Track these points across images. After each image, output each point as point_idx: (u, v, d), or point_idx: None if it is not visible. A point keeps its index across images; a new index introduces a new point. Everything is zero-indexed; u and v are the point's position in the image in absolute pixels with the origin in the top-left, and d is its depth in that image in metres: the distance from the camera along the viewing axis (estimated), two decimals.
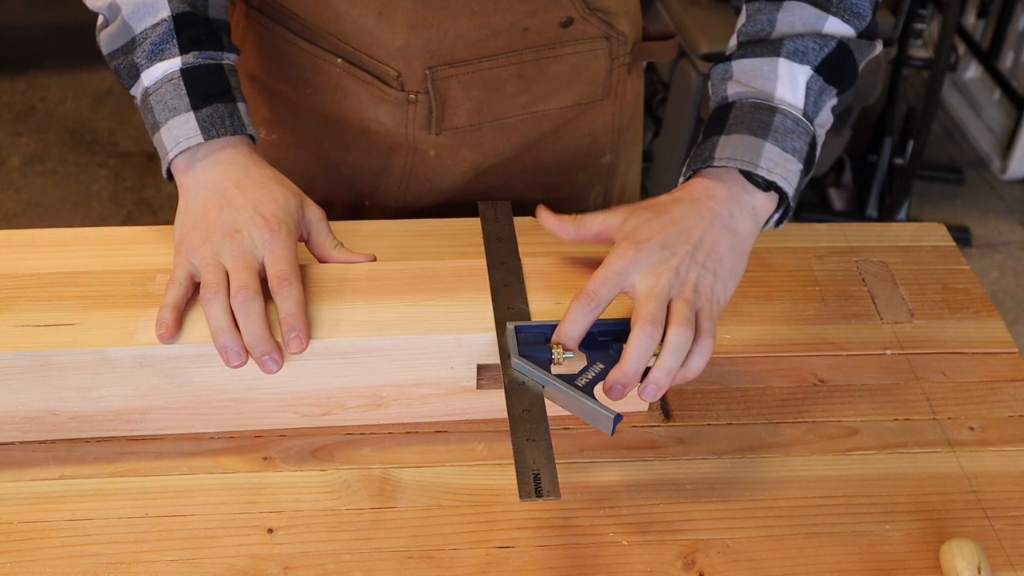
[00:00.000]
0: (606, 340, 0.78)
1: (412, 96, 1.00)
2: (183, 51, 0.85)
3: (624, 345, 0.76)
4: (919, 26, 2.57)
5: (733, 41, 0.90)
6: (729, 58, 0.88)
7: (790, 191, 0.83)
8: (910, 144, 2.64)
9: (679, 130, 2.40)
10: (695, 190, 0.83)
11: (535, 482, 0.70)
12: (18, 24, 3.28)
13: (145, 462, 0.82)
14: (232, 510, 0.79)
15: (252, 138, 0.87)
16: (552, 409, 0.76)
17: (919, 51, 2.77)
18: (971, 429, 0.88)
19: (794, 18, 0.87)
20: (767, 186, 0.83)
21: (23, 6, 3.32)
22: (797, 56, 0.85)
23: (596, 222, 0.84)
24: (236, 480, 0.81)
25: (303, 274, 0.82)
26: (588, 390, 0.75)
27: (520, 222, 0.93)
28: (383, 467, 0.82)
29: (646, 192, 2.67)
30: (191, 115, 0.83)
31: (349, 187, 1.08)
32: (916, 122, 2.60)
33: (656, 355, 0.76)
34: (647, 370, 0.76)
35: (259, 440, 0.84)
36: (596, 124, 1.08)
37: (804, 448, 0.85)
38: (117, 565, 0.75)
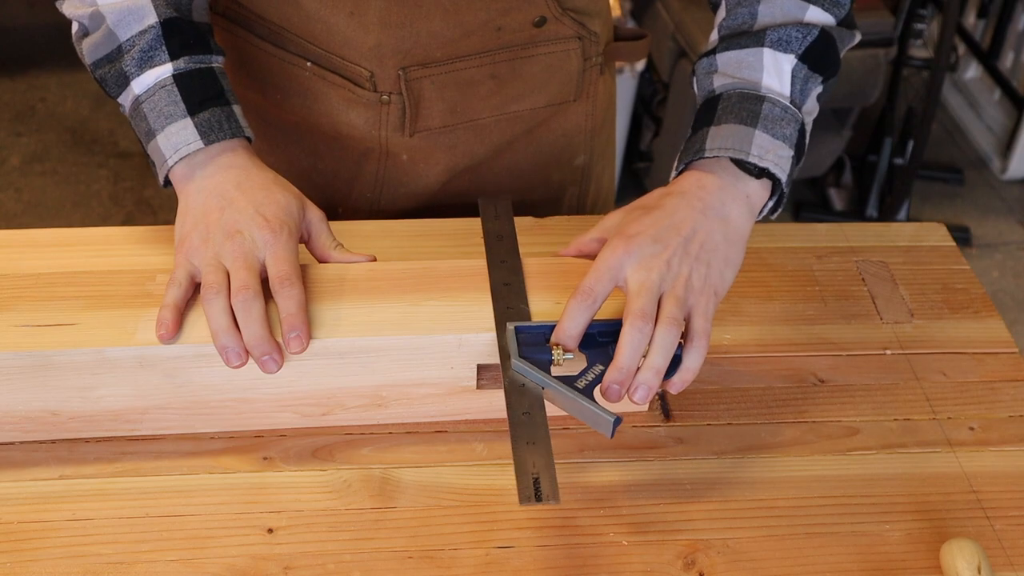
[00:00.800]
0: (605, 341, 0.78)
1: (385, 97, 1.00)
2: (173, 57, 0.84)
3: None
4: (919, 26, 2.57)
5: (714, 36, 0.90)
6: (712, 52, 0.89)
7: (783, 176, 0.83)
8: (910, 144, 2.64)
9: (679, 130, 2.40)
10: (686, 183, 0.83)
11: (535, 486, 0.70)
12: (18, 24, 3.28)
13: (145, 462, 0.82)
14: (232, 510, 0.79)
15: (249, 140, 0.86)
16: (552, 409, 0.76)
17: (919, 51, 2.77)
18: (971, 429, 0.88)
19: (775, 9, 0.87)
20: (759, 173, 0.83)
21: (23, 6, 3.32)
22: (781, 45, 0.85)
23: (593, 231, 0.84)
24: (236, 480, 0.81)
25: (303, 274, 0.82)
26: (588, 392, 0.75)
27: (520, 222, 0.93)
28: (383, 467, 0.82)
29: (646, 192, 2.66)
30: (188, 120, 0.83)
31: (321, 194, 1.07)
32: (916, 122, 2.60)
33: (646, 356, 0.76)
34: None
35: (259, 440, 0.84)
36: (569, 125, 1.08)
37: (804, 448, 0.85)
38: (117, 565, 0.75)
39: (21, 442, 0.83)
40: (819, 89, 0.87)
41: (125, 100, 0.86)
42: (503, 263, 0.86)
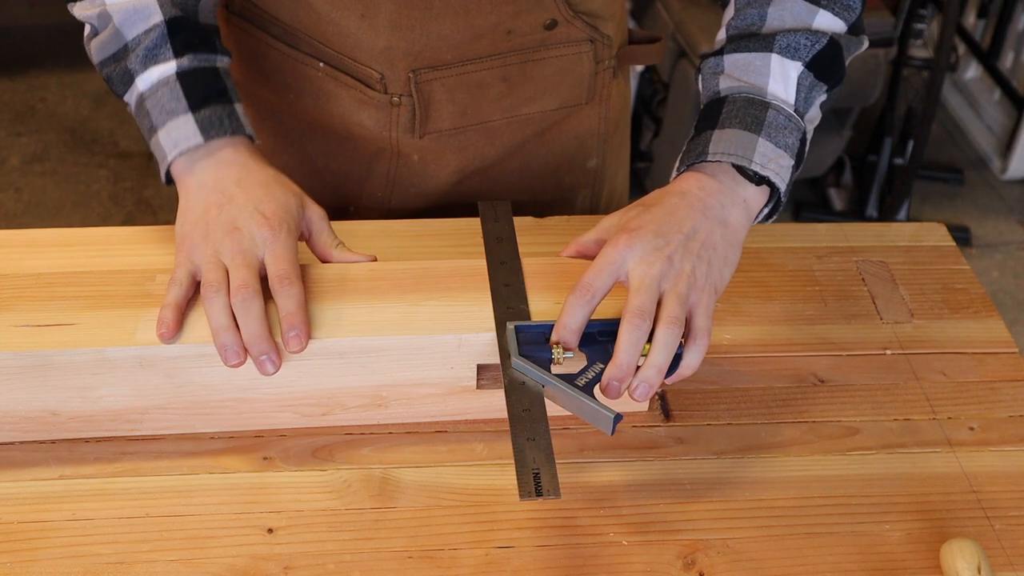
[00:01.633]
0: (605, 340, 0.78)
1: (395, 99, 1.00)
2: (178, 55, 0.84)
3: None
4: (919, 26, 2.57)
5: (722, 35, 0.90)
6: (720, 52, 0.88)
7: (782, 186, 0.83)
8: (910, 144, 2.64)
9: (679, 130, 2.40)
10: (687, 184, 0.83)
11: (535, 481, 0.70)
12: (18, 24, 3.28)
13: (145, 462, 0.82)
14: (232, 510, 0.79)
15: (251, 139, 0.87)
16: (552, 409, 0.76)
17: (919, 51, 2.77)
18: (971, 429, 0.88)
19: (784, 12, 0.87)
20: (759, 180, 0.83)
21: (23, 6, 3.32)
22: (789, 52, 0.85)
23: (593, 232, 0.84)
24: (236, 480, 0.81)
25: (303, 273, 0.82)
26: (588, 390, 0.75)
27: (520, 222, 0.93)
28: (383, 467, 0.82)
29: (646, 192, 2.66)
30: (190, 116, 0.83)
31: (334, 193, 1.08)
32: (916, 122, 2.60)
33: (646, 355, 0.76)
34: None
35: (259, 440, 0.84)
36: (581, 128, 1.08)
37: (804, 448, 0.85)
38: (117, 565, 0.75)
39: (21, 442, 0.83)
40: (823, 98, 0.87)
41: (130, 98, 0.87)
42: (503, 264, 0.86)
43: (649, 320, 0.76)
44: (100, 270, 0.85)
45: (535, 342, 0.78)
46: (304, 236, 0.85)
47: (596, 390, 0.75)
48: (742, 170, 0.82)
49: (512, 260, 0.87)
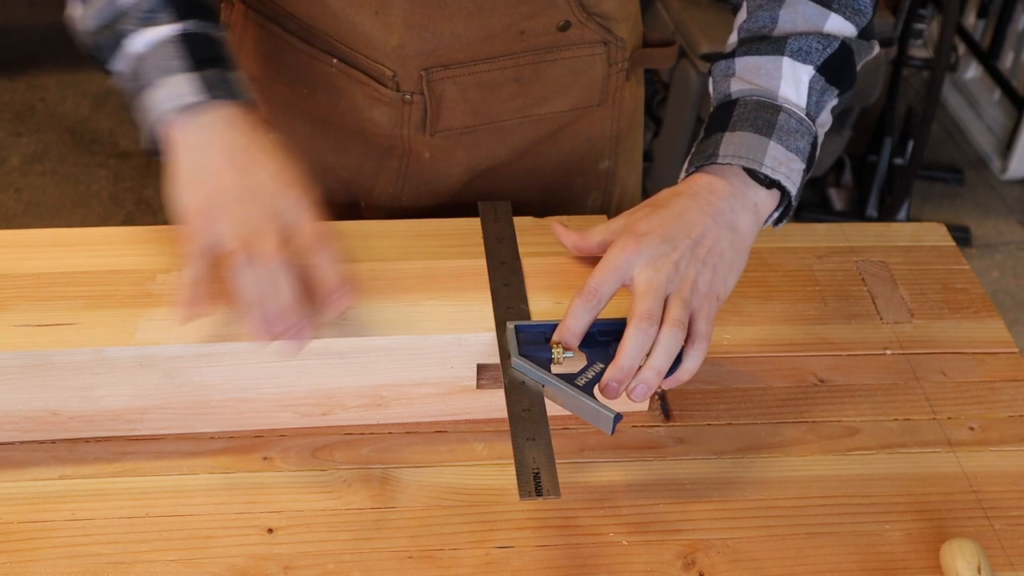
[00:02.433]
0: (606, 340, 0.78)
1: (407, 97, 1.00)
2: (179, 19, 0.80)
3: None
4: (919, 26, 2.57)
5: (733, 38, 0.90)
6: (732, 55, 0.88)
7: (793, 190, 0.83)
8: (910, 144, 2.64)
9: (679, 130, 2.40)
10: (696, 185, 0.83)
11: (535, 481, 0.70)
12: (18, 24, 3.28)
13: (145, 462, 0.82)
14: (232, 510, 0.79)
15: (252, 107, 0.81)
16: (552, 409, 0.76)
17: (919, 51, 2.77)
18: (971, 429, 0.88)
19: (796, 15, 0.86)
20: (770, 184, 0.83)
21: (23, 6, 3.32)
22: (801, 55, 0.85)
23: (598, 233, 0.84)
24: (236, 480, 0.81)
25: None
26: (588, 390, 0.75)
27: (520, 222, 0.93)
28: (383, 467, 0.82)
29: (646, 193, 2.66)
30: (192, 75, 0.77)
31: (346, 188, 1.08)
32: (916, 122, 2.60)
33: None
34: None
35: (259, 440, 0.84)
36: (594, 130, 1.08)
37: (804, 448, 0.85)
38: (117, 565, 0.75)
39: (21, 442, 0.83)
40: (834, 102, 0.87)
41: (119, 63, 0.80)
42: (503, 264, 0.86)
43: (656, 324, 0.75)
44: (100, 270, 0.85)
45: (535, 342, 0.78)
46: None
47: (595, 390, 0.75)
48: (753, 173, 0.82)
49: (512, 260, 0.87)
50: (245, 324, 0.74)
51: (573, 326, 0.77)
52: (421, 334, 0.80)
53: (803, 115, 0.84)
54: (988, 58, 2.91)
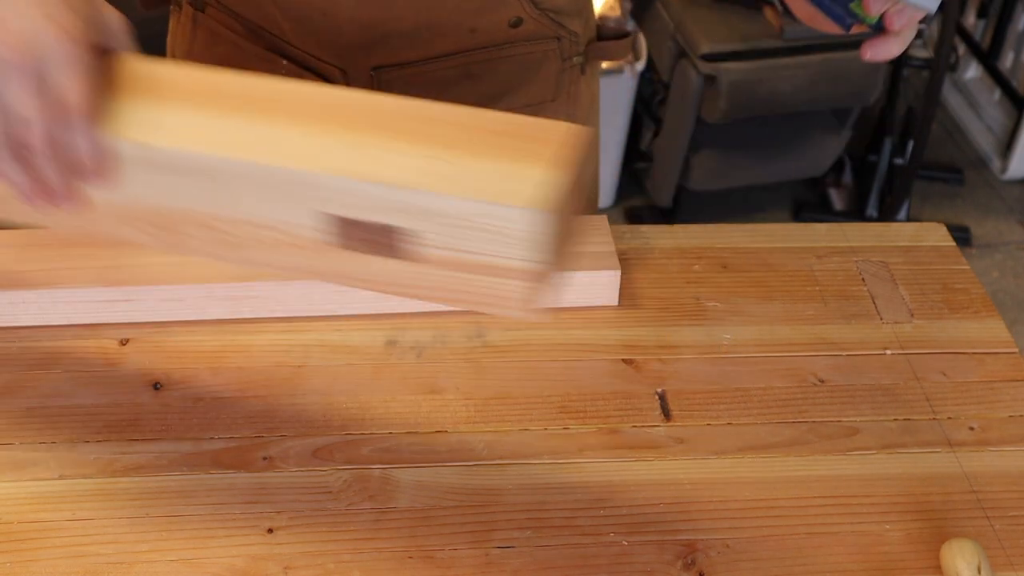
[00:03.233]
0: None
1: None
2: None
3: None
4: (919, 26, 2.57)
5: None
6: None
7: None
8: (910, 144, 2.64)
9: (679, 130, 2.40)
10: None
11: None
12: None
13: (145, 462, 0.82)
14: (232, 510, 0.79)
15: None
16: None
17: (919, 51, 2.77)
18: (971, 429, 0.88)
19: None
20: None
21: None
22: None
23: None
24: (236, 480, 0.81)
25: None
26: None
27: None
28: (383, 467, 0.82)
29: (647, 193, 2.67)
30: None
31: None
32: (916, 122, 2.60)
33: None
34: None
35: (259, 440, 0.84)
36: None
37: (804, 448, 0.85)
38: (117, 565, 0.75)
39: (21, 442, 0.83)
40: None
41: None
42: None
43: None
44: None
45: None
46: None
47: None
48: None
49: None
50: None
51: None
52: (263, 162, 0.62)
53: None
54: (988, 58, 2.91)
